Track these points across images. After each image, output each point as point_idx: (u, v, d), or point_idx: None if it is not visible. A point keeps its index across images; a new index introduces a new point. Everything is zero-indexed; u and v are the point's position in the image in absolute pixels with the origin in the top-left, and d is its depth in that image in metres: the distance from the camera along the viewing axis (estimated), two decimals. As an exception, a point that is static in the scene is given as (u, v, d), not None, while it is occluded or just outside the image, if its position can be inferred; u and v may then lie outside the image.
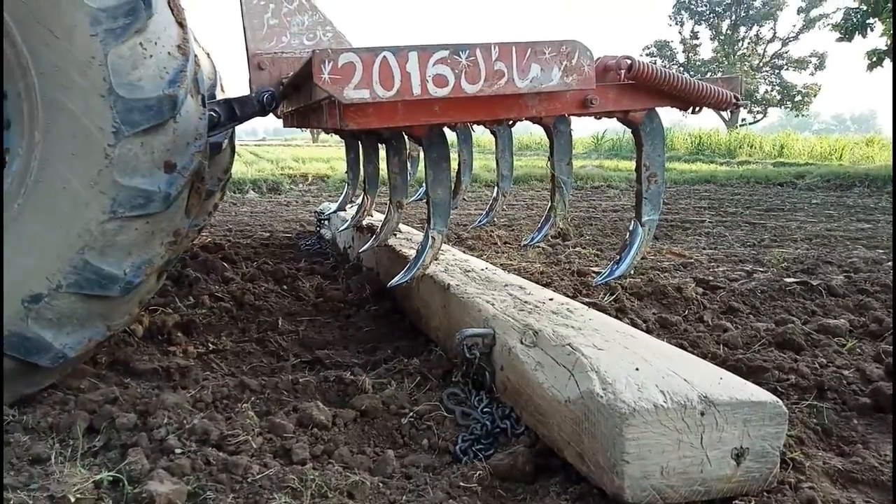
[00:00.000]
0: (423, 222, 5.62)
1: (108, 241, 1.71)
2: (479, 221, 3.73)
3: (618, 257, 2.38)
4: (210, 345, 2.39)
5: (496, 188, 3.48)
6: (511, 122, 2.88)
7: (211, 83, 3.11)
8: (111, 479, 1.40)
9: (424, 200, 2.37)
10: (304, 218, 6.15)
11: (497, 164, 3.42)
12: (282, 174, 10.43)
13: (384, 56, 1.77)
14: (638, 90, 2.18)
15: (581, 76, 1.95)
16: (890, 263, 3.98)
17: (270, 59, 2.78)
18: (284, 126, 3.37)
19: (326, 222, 4.71)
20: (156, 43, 1.73)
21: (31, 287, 1.67)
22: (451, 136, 3.77)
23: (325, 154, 20.71)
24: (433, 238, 2.23)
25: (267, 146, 27.78)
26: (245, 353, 2.36)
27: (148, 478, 1.39)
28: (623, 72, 2.11)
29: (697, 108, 2.31)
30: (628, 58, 2.11)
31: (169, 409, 1.70)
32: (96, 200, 1.67)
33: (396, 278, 2.35)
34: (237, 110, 2.56)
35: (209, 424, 1.63)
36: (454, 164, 3.75)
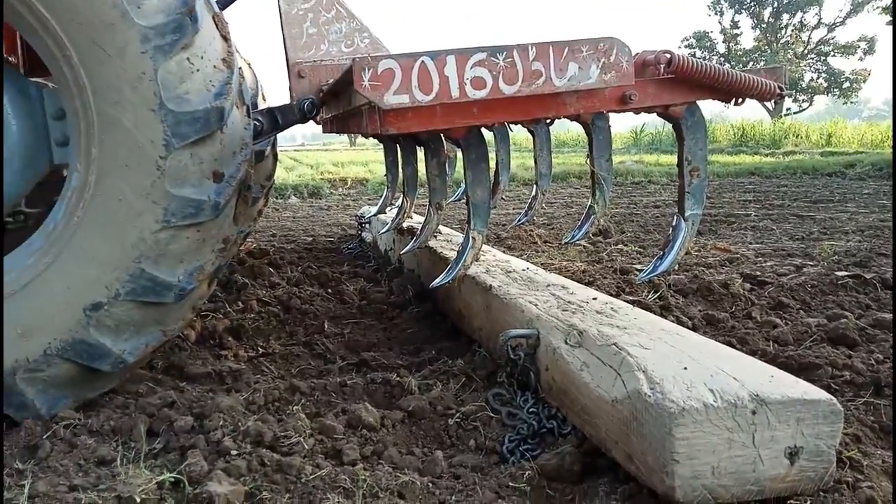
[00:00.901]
0: (462, 223, 5.65)
1: (162, 250, 1.78)
2: (519, 220, 3.73)
3: (661, 253, 2.35)
4: (259, 348, 2.46)
5: (535, 186, 3.47)
6: (549, 121, 2.88)
7: (253, 93, 3.19)
8: (172, 479, 1.46)
9: (464, 201, 2.39)
10: (345, 222, 6.24)
11: (535, 162, 3.41)
12: (321, 179, 10.59)
13: (422, 61, 1.80)
14: (678, 84, 2.16)
15: (619, 73, 1.93)
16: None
17: (310, 67, 2.84)
18: (324, 132, 3.44)
19: (367, 226, 4.78)
20: (202, 57, 1.79)
21: (92, 296, 1.75)
22: (487, 135, 3.78)
23: (363, 157, 20.93)
24: (474, 238, 2.25)
25: (306, 151, 28.22)
26: (293, 356, 2.42)
27: (207, 479, 1.44)
28: (662, 66, 2.09)
29: (740, 100, 2.27)
30: (668, 52, 2.09)
31: (223, 411, 1.75)
32: (150, 211, 1.74)
33: (438, 279, 2.37)
34: (279, 119, 2.62)
35: (262, 426, 1.68)
36: (492, 164, 3.77)
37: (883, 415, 1.83)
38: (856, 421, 1.78)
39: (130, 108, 1.69)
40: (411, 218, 3.87)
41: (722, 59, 42.58)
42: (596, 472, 1.56)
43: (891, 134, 18.49)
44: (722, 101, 2.26)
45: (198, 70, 1.77)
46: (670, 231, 2.33)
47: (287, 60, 2.83)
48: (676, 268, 3.76)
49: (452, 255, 2.94)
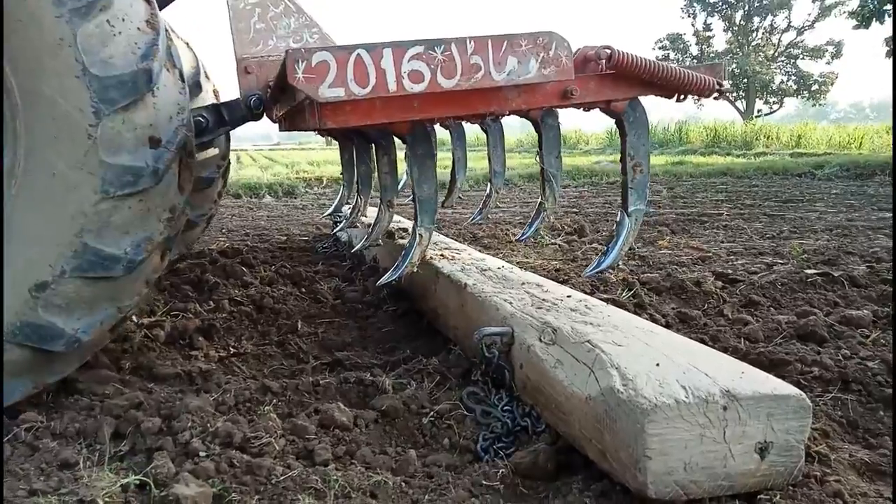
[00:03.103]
0: (444, 222, 5.64)
1: (104, 222, 1.71)
2: (473, 218, 3.72)
3: (605, 248, 2.38)
4: (231, 348, 2.42)
5: (489, 184, 3.47)
6: (493, 117, 2.87)
7: (194, 72, 3.09)
8: (138, 482, 1.42)
9: (410, 199, 2.37)
10: (320, 221, 6.19)
11: (489, 160, 3.40)
12: (297, 178, 10.50)
13: (358, 54, 1.78)
14: (619, 79, 2.16)
15: (559, 67, 1.94)
16: (913, 252, 3.92)
17: (257, 62, 2.79)
18: (280, 130, 3.39)
19: (342, 225, 4.74)
20: (123, 19, 1.72)
21: (36, 276, 1.67)
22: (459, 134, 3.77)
23: (339, 157, 20.73)
24: (420, 235, 2.24)
25: (281, 150, 27.96)
26: (266, 355, 2.38)
27: (174, 481, 1.41)
28: (603, 61, 2.10)
29: (682, 96, 2.29)
30: (608, 47, 2.10)
31: (192, 412, 1.72)
32: (86, 182, 1.67)
33: (384, 277, 2.36)
34: (226, 115, 2.54)
35: (232, 427, 1.65)
36: (456, 163, 3.75)
37: (850, 410, 1.86)
38: (824, 416, 1.81)
39: (53, 77, 1.62)
40: (366, 216, 3.84)
41: (695, 60, 43.17)
42: (570, 470, 1.56)
43: (857, 136, 18.92)
44: (664, 97, 2.28)
45: (120, 33, 1.70)
46: (615, 226, 2.35)
47: (235, 56, 2.77)
48: (650, 266, 3.80)
49: (428, 253, 2.93)
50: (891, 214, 5.97)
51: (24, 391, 1.76)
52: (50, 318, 1.70)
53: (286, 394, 1.96)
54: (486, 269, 2.60)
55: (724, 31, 42.59)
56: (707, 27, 42.71)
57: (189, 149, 1.95)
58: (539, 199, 2.82)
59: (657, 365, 1.49)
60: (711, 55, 42.48)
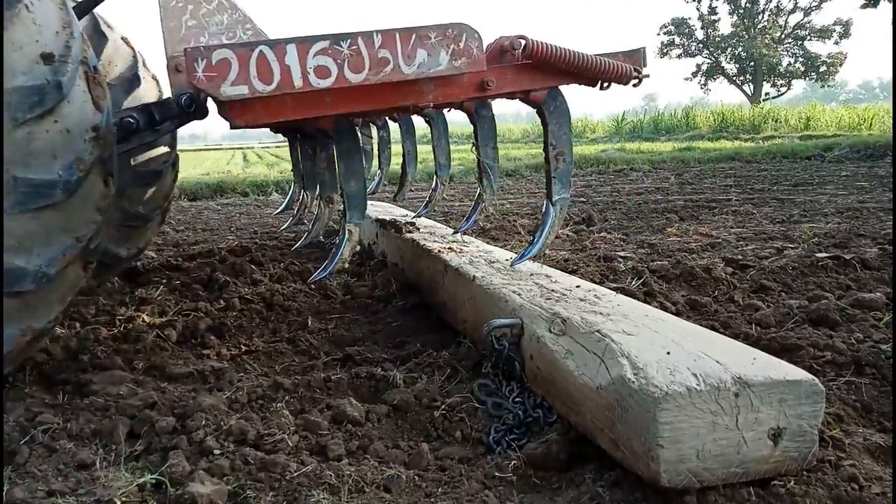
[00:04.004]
0: (450, 215, 5.62)
1: (25, 150, 1.66)
2: (419, 213, 3.72)
3: (531, 238, 2.37)
4: (242, 346, 2.43)
5: (435, 177, 3.46)
6: (409, 110, 2.86)
7: (130, 65, 3.03)
8: (154, 481, 1.44)
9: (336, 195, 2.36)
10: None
11: (434, 152, 3.39)
12: (303, 174, 10.49)
13: (261, 50, 1.77)
14: (536, 69, 2.15)
15: (470, 59, 1.92)
16: (926, 233, 3.88)
17: None
18: (231, 128, 3.31)
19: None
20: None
21: None
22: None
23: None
24: (350, 231, 2.23)
25: (287, 147, 28.00)
26: (277, 352, 2.39)
27: (189, 479, 1.42)
28: (518, 52, 2.09)
29: (605, 84, 2.27)
30: (522, 37, 2.09)
31: (206, 411, 1.73)
32: None
33: (315, 274, 2.35)
34: (157, 115, 2.44)
35: (246, 424, 1.66)
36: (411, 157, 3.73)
37: (864, 394, 1.85)
38: (837, 400, 1.80)
39: None
40: (312, 212, 3.84)
41: (700, 44, 42.82)
42: (582, 460, 1.56)
43: (868, 116, 18.70)
44: (586, 86, 2.26)
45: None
46: (541, 216, 2.35)
47: (166, 54, 2.72)
48: (659, 255, 3.78)
49: (435, 247, 2.94)
50: (902, 195, 5.91)
51: (15, 341, 1.73)
52: (10, 261, 1.65)
53: (298, 390, 1.98)
54: (494, 261, 2.60)
55: (730, 14, 42.17)
56: (712, 10, 42.30)
57: (89, 61, 1.84)
58: (478, 191, 2.82)
59: (668, 353, 1.48)
60: (717, 39, 42.12)
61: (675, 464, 1.31)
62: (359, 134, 2.27)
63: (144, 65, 3.20)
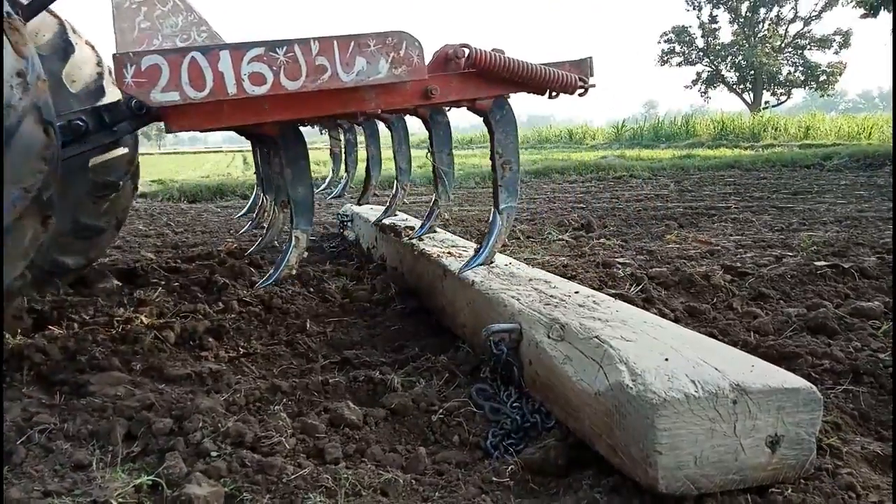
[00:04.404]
0: (462, 222, 5.62)
1: None
2: (379, 218, 3.73)
3: (477, 246, 2.38)
4: (240, 349, 2.43)
5: (396, 182, 3.46)
6: (356, 117, 2.84)
7: (97, 76, 2.91)
8: (151, 483, 1.43)
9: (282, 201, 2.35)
10: (327, 220, 6.19)
11: (394, 157, 3.39)
12: (303, 178, 10.49)
13: (193, 56, 1.75)
14: (481, 78, 2.15)
15: (411, 67, 1.92)
16: (924, 243, 3.89)
17: None
18: (166, 132, 3.24)
19: (349, 224, 4.75)
20: None
21: None
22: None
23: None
24: (297, 238, 2.22)
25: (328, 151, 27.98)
26: (275, 355, 2.39)
27: (186, 481, 1.42)
28: (462, 60, 2.09)
29: (554, 94, 2.28)
30: (466, 46, 2.10)
31: (203, 413, 1.73)
32: None
33: (261, 282, 2.35)
34: (107, 118, 2.34)
35: (243, 427, 1.66)
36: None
37: (862, 402, 1.85)
38: (835, 408, 1.80)
39: None
40: (270, 215, 3.83)
41: (701, 52, 42.95)
42: (580, 465, 1.55)
43: (867, 126, 18.75)
44: (536, 95, 2.27)
45: None
46: (489, 224, 2.36)
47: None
48: (657, 262, 3.78)
49: (434, 251, 2.94)
50: (901, 205, 5.92)
51: None
52: None
53: (296, 393, 1.97)
54: (493, 267, 2.60)
55: (730, 22, 42.31)
56: (713, 19, 42.44)
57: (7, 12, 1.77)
58: (433, 197, 2.83)
59: (666, 359, 1.48)
60: (717, 47, 42.24)
61: (672, 470, 1.31)
62: (307, 138, 2.25)
63: (111, 72, 3.15)
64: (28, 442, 1.62)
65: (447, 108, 2.60)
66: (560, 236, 4.91)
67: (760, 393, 1.36)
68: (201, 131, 2.20)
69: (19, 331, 2.53)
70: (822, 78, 40.02)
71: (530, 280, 2.37)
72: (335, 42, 1.85)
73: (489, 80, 2.15)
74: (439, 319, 2.70)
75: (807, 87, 42.16)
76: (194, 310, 2.77)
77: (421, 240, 3.18)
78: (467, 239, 3.93)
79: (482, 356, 2.06)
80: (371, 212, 4.53)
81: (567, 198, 7.72)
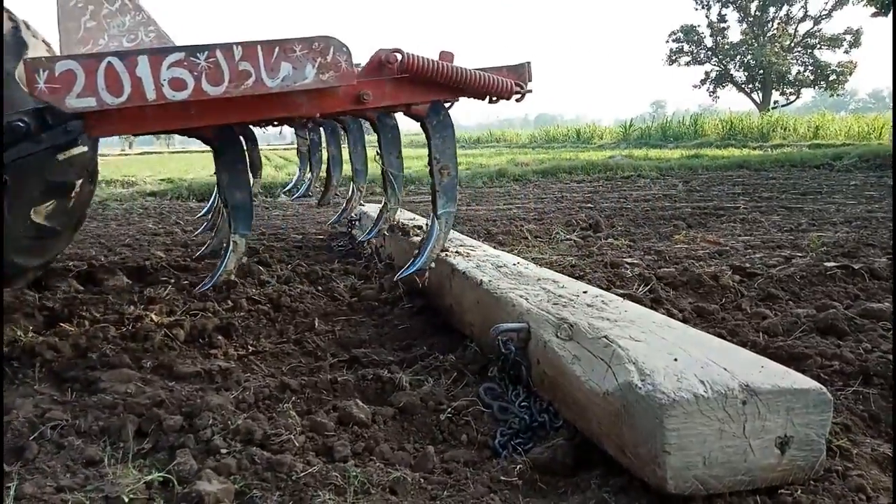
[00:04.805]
0: (477, 225, 5.63)
1: None
2: (335, 220, 3.73)
3: (416, 251, 2.38)
4: (250, 347, 2.44)
5: (351, 184, 3.46)
6: (301, 119, 2.82)
7: None
8: (161, 479, 1.45)
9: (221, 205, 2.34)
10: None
11: (350, 159, 3.39)
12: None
13: (109, 62, 1.73)
14: (416, 83, 2.14)
15: (339, 72, 1.90)
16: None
17: None
18: (89, 137, 3.16)
19: (357, 223, 4.76)
20: None
21: None
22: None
23: (353, 155, 20.69)
24: (235, 243, 2.21)
25: (295, 150, 28.04)
26: (284, 353, 2.40)
27: (196, 477, 1.43)
28: (395, 65, 2.08)
29: (493, 98, 2.27)
30: (397, 51, 2.09)
31: (213, 410, 1.74)
32: None
33: (200, 286, 2.33)
34: (49, 119, 2.28)
35: (253, 424, 1.67)
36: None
37: (872, 404, 1.84)
38: (845, 410, 1.79)
39: None
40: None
41: (709, 52, 42.76)
42: (588, 465, 1.56)
43: (877, 126, 18.62)
44: (476, 99, 2.26)
45: None
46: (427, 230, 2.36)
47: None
48: (666, 262, 3.77)
49: (442, 252, 2.94)
50: (912, 205, 5.88)
51: None
52: None
53: (305, 391, 1.98)
54: (501, 266, 2.60)
55: (739, 22, 42.12)
56: (722, 18, 42.25)
57: None
58: (383, 200, 2.83)
59: (675, 360, 1.48)
60: (726, 46, 42.05)
61: (681, 470, 1.31)
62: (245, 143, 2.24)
63: None
64: (40, 438, 1.64)
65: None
66: (568, 236, 4.91)
67: (770, 394, 1.35)
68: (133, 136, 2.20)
69: (31, 328, 2.56)
70: (832, 77, 39.79)
71: (538, 280, 2.37)
72: (259, 47, 1.83)
73: (423, 84, 2.14)
74: (447, 318, 2.71)
75: (816, 87, 41.93)
76: (204, 308, 2.79)
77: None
78: (475, 238, 3.93)
79: (490, 355, 2.07)
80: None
81: (575, 197, 7.71)
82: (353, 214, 4.85)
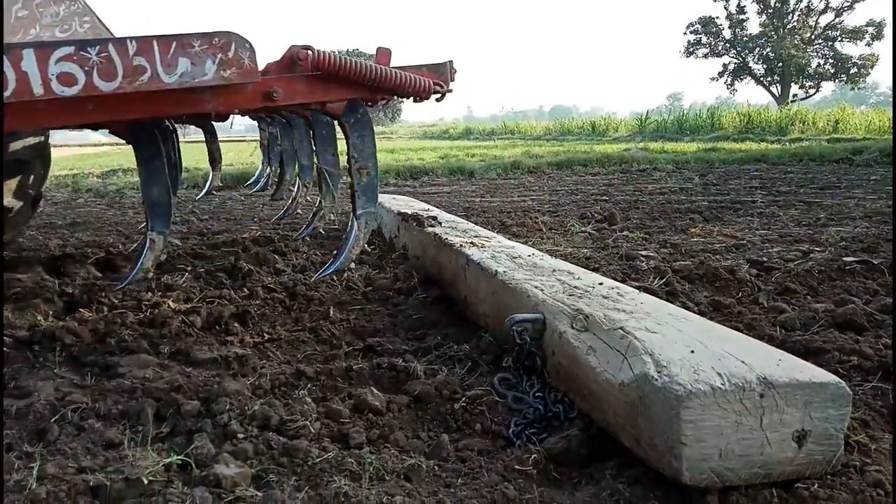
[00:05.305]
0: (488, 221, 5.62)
1: None
2: (280, 216, 3.72)
3: (335, 252, 2.35)
4: (265, 334, 2.46)
5: (297, 180, 3.44)
6: (233, 113, 2.77)
7: None
8: (180, 462, 1.46)
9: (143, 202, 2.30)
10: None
11: (296, 155, 3.37)
12: (326, 167, 10.56)
13: None
14: (330, 81, 2.09)
15: (241, 69, 1.85)
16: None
17: None
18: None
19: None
20: None
21: None
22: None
23: (367, 146, 20.69)
24: (153, 241, 2.19)
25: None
26: (299, 341, 2.42)
27: (214, 461, 1.45)
28: (306, 62, 2.04)
29: (419, 98, 2.23)
30: (308, 48, 2.04)
31: (230, 395, 1.76)
32: None
33: (121, 284, 2.31)
34: None
35: (269, 410, 1.68)
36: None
37: (891, 399, 1.82)
38: (864, 405, 1.77)
39: None
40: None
41: (728, 44, 42.23)
42: (603, 456, 1.56)
43: (899, 120, 18.32)
44: (400, 97, 2.22)
45: None
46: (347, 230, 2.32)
47: None
48: (681, 255, 3.74)
49: (457, 241, 2.94)
50: (933, 201, 5.79)
51: None
52: None
53: (320, 378, 2.00)
54: (516, 257, 2.60)
55: (759, 13, 41.54)
56: (741, 10, 41.68)
57: None
58: (318, 198, 2.81)
59: (692, 351, 1.47)
60: (745, 39, 41.51)
61: (697, 462, 1.31)
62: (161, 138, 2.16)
63: None
64: (61, 420, 1.67)
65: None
66: (583, 228, 4.88)
67: (788, 387, 1.34)
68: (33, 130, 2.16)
69: (51, 313, 2.59)
70: (853, 70, 39.16)
71: (554, 271, 2.36)
72: (155, 42, 1.78)
73: (337, 82, 2.10)
74: (461, 309, 2.71)
75: (837, 80, 41.29)
76: (220, 295, 2.81)
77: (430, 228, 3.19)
78: (489, 229, 3.93)
79: (504, 346, 2.07)
80: (393, 202, 4.55)
81: (590, 190, 7.67)
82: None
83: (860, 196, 6.42)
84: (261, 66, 1.96)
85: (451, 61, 2.30)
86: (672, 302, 2.54)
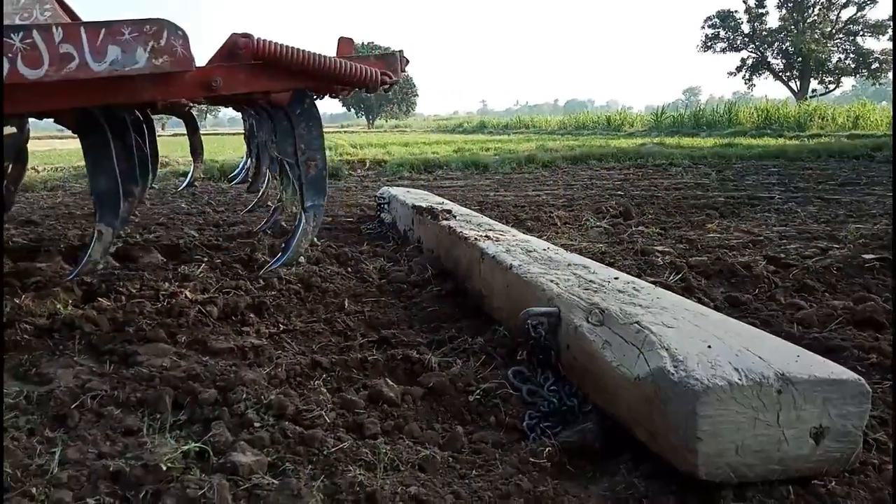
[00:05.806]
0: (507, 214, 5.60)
1: None
2: (250, 208, 3.69)
3: (283, 245, 2.31)
4: (281, 325, 2.48)
5: (267, 172, 3.41)
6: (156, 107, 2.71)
7: None
8: (197, 449, 1.48)
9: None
10: (364, 203, 6.24)
11: (267, 147, 3.33)
12: (340, 160, 10.59)
13: None
14: (273, 70, 2.04)
15: (174, 57, 1.81)
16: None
17: None
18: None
19: (386, 206, 4.78)
20: None
21: None
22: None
23: (381, 139, 20.83)
24: (100, 232, 2.16)
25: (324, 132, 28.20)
26: (314, 332, 2.43)
27: (231, 449, 1.46)
28: (246, 51, 2.00)
29: (366, 88, 2.17)
30: (245, 35, 1.99)
31: (247, 385, 1.77)
32: None
33: (70, 275, 2.30)
34: None
35: (285, 400, 1.70)
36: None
37: (891, 399, 1.80)
38: (882, 404, 1.75)
39: None
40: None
41: (746, 38, 41.72)
42: (617, 450, 1.55)
43: (921, 116, 18.02)
44: (344, 87, 2.17)
45: None
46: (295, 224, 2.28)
47: None
48: (697, 250, 3.71)
49: (471, 234, 2.94)
50: (956, 198, 5.69)
51: None
52: None
53: (335, 369, 2.01)
54: (531, 251, 2.59)
55: (778, 7, 40.95)
56: (760, 3, 41.13)
57: None
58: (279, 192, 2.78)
59: (709, 347, 1.47)
60: (764, 33, 40.99)
61: (713, 458, 1.30)
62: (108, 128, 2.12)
63: None
64: (81, 407, 1.69)
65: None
66: (598, 223, 4.86)
67: (806, 383, 1.33)
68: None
69: (70, 301, 2.63)
70: (875, 66, 38.53)
71: (569, 265, 2.36)
72: (82, 29, 1.74)
73: (280, 72, 2.05)
74: (476, 302, 2.72)
75: (857, 76, 40.66)
76: (236, 286, 2.83)
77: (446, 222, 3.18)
78: (504, 223, 3.92)
79: (519, 339, 2.07)
80: (408, 195, 4.55)
81: (605, 185, 7.63)
82: (382, 196, 4.86)
83: (880, 193, 6.33)
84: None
85: (401, 51, 2.27)
86: (688, 297, 2.52)
